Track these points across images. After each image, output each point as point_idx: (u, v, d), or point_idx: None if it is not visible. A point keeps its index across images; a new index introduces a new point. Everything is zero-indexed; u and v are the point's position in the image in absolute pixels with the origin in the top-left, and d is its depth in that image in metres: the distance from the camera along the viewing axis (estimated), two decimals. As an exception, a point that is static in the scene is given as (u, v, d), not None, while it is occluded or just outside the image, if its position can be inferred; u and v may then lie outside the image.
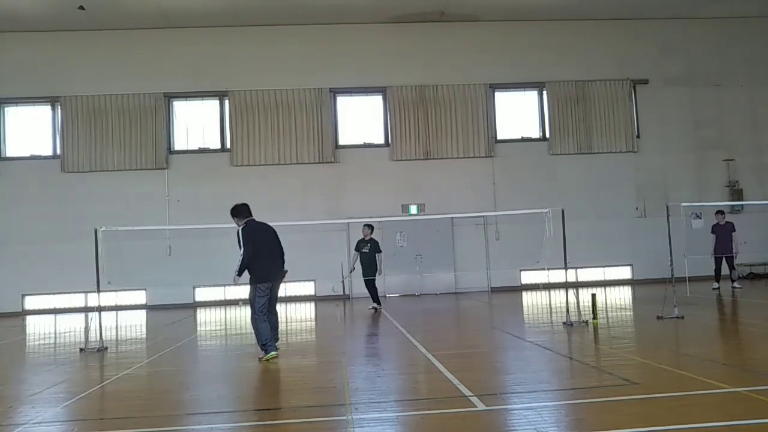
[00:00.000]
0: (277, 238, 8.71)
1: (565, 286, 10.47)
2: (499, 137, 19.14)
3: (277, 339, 8.27)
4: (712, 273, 15.24)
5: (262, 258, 8.13)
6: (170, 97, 18.62)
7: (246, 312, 14.64)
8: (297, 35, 18.64)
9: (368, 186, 18.43)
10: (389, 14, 18.36)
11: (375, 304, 14.28)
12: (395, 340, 9.35)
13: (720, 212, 15.44)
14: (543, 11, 18.55)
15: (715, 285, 15.01)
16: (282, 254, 8.74)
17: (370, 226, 14.27)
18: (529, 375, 6.30)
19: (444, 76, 18.81)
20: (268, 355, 7.78)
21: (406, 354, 8.01)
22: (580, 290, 15.95)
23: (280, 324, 8.59)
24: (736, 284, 15.07)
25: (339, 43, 18.70)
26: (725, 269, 15.22)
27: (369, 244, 14.17)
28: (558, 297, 14.47)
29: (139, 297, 18.05)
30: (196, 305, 17.94)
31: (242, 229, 8.15)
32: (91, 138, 18.14)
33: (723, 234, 15.10)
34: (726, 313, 11.56)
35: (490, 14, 18.64)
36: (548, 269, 10.88)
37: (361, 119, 19.11)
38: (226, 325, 12.91)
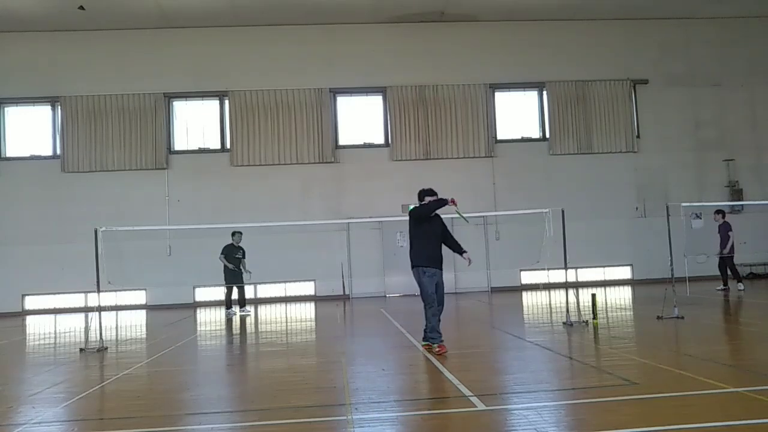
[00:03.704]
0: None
1: (565, 286, 10.47)
2: (499, 137, 19.14)
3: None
4: (713, 273, 15.17)
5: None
6: (170, 97, 18.62)
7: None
8: (297, 35, 18.64)
9: (368, 186, 18.44)
10: (389, 14, 18.36)
11: (244, 311, 14.62)
12: (395, 340, 9.35)
13: (717, 212, 15.30)
14: (543, 11, 18.55)
15: (722, 287, 14.79)
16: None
17: (241, 233, 14.69)
18: (529, 375, 6.30)
19: (444, 76, 18.81)
20: (432, 344, 7.61)
21: (406, 354, 8.00)
22: (580, 290, 15.95)
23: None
24: (719, 288, 14.83)
25: (339, 43, 18.70)
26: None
27: (241, 251, 14.57)
28: (558, 297, 14.47)
29: (139, 297, 18.05)
30: (196, 305, 17.94)
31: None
32: (91, 138, 18.14)
33: (720, 234, 15.06)
34: (726, 314, 11.55)
35: (490, 14, 18.64)
36: (548, 269, 10.87)
37: (361, 119, 19.11)
38: (225, 325, 12.90)
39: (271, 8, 17.58)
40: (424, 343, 7.85)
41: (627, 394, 5.29)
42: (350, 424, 4.69)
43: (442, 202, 7.57)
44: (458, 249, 7.89)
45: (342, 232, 18.20)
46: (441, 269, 7.70)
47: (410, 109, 18.74)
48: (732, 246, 14.83)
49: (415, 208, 7.76)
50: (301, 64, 18.60)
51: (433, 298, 7.56)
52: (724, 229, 14.98)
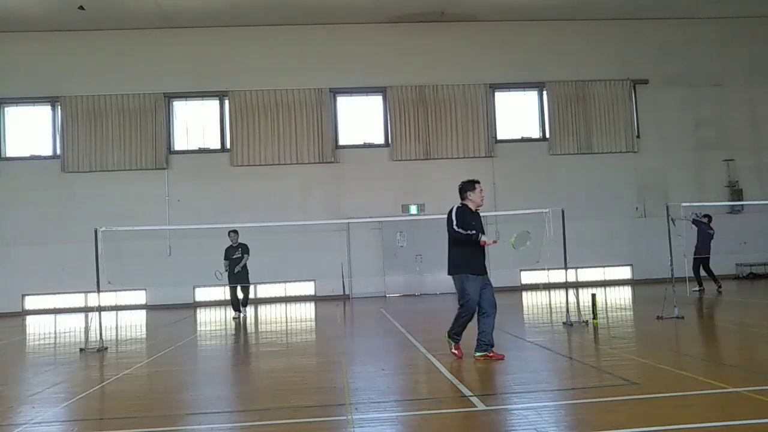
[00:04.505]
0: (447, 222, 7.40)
1: (565, 286, 10.47)
2: (499, 137, 19.14)
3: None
4: (714, 274, 15.14)
5: None
6: (170, 97, 18.62)
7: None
8: (297, 35, 18.64)
9: (368, 186, 18.43)
10: (389, 14, 18.36)
11: (243, 312, 13.85)
12: (395, 340, 9.35)
13: (703, 216, 15.15)
14: (543, 11, 18.54)
15: (697, 288, 14.80)
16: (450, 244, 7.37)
17: (236, 232, 13.89)
18: (529, 375, 6.30)
19: (444, 76, 18.81)
20: (451, 344, 7.19)
21: (406, 354, 8.01)
22: (580, 290, 15.94)
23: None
24: (718, 288, 14.69)
25: (339, 43, 18.70)
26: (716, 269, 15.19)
27: (239, 249, 13.78)
28: (558, 297, 14.46)
29: (139, 297, 18.05)
30: (196, 305, 17.94)
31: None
32: (91, 138, 18.14)
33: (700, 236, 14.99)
34: (726, 314, 11.56)
35: (490, 14, 18.64)
36: (548, 269, 10.87)
37: (361, 119, 19.11)
38: (225, 325, 12.91)
39: (271, 8, 17.58)
40: (479, 354, 6.99)
41: (627, 394, 5.29)
42: (350, 424, 4.69)
43: (475, 237, 7.01)
44: None
45: (342, 232, 18.19)
46: (486, 273, 7.20)
47: (410, 109, 18.74)
48: (696, 248, 14.72)
49: (454, 224, 7.12)
50: (301, 64, 18.59)
51: (475, 308, 7.03)
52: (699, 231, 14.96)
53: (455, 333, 7.23)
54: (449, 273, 7.30)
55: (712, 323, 10.32)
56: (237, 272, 13.59)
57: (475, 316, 7.10)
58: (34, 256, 17.57)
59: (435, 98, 18.84)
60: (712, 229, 15.01)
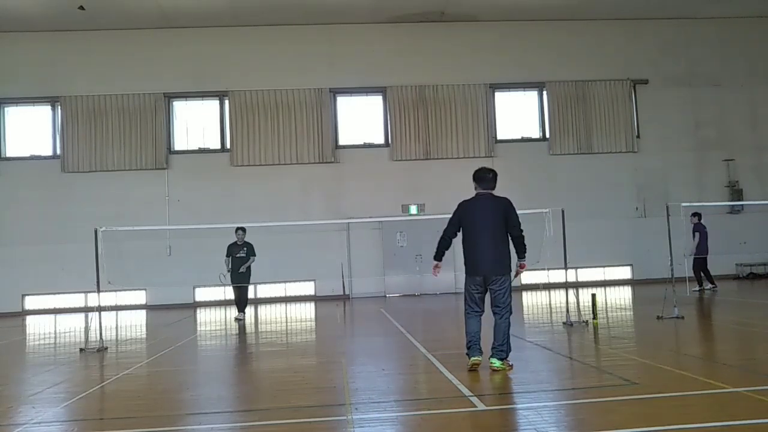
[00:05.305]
0: (498, 216, 6.83)
1: (565, 286, 10.47)
2: (499, 137, 19.13)
3: (496, 348, 6.35)
4: (713, 273, 15.12)
5: (466, 243, 6.68)
6: (170, 97, 18.62)
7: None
8: (297, 35, 18.63)
9: (368, 186, 18.43)
10: (389, 14, 18.36)
11: (243, 315, 13.33)
12: (395, 340, 9.35)
13: (693, 215, 15.00)
14: (543, 11, 18.54)
15: (708, 286, 14.85)
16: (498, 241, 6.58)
17: (243, 230, 13.40)
18: (529, 375, 6.30)
19: (444, 76, 18.80)
20: (470, 360, 6.37)
21: (406, 354, 8.01)
22: (580, 290, 15.94)
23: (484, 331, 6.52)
24: (695, 289, 14.61)
25: (339, 43, 18.70)
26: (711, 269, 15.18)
27: (244, 248, 13.31)
28: (558, 297, 14.46)
29: (139, 297, 18.04)
30: (196, 305, 17.94)
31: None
32: (91, 138, 18.13)
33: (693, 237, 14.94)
34: (726, 314, 11.56)
35: (490, 14, 18.63)
36: (548, 269, 10.86)
37: (361, 119, 19.11)
38: (226, 325, 12.90)
39: (271, 8, 17.57)
40: (499, 364, 6.28)
41: (627, 394, 5.29)
42: (350, 424, 4.69)
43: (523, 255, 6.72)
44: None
45: (342, 232, 18.19)
46: None
47: (410, 109, 18.73)
48: (699, 249, 14.67)
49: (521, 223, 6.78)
50: (301, 64, 18.60)
51: None
52: (694, 231, 14.87)
53: (509, 348, 6.40)
54: (501, 273, 6.45)
55: (712, 323, 10.32)
56: (241, 272, 13.20)
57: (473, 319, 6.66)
58: (34, 256, 17.56)
59: (435, 98, 18.83)
60: (705, 227, 15.01)
